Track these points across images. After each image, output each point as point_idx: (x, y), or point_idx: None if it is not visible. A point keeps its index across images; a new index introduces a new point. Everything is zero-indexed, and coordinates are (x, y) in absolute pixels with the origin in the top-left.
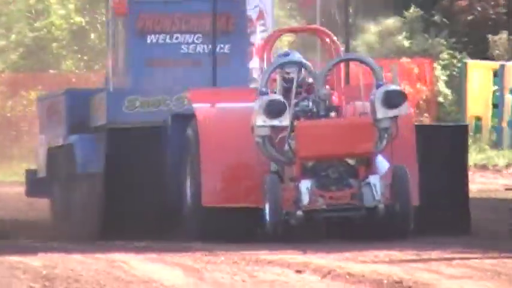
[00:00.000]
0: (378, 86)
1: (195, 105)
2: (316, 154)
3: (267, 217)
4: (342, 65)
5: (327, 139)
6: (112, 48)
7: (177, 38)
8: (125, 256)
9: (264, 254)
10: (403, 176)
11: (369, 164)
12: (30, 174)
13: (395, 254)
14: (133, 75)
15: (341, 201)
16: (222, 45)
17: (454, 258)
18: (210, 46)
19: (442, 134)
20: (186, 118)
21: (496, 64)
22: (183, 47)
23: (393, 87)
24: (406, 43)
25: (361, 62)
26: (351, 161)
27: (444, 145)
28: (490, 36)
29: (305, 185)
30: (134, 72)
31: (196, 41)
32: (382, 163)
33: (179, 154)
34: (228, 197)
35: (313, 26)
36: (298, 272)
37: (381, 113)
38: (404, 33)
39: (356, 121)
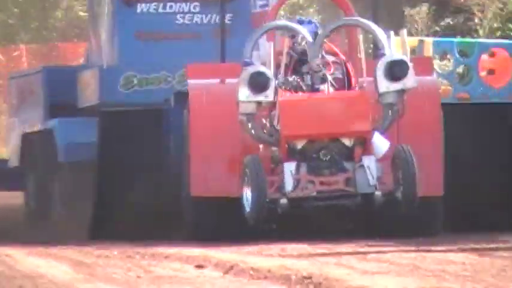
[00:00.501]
0: (381, 56)
1: (190, 81)
2: (301, 133)
3: (247, 205)
4: (359, 34)
5: (313, 116)
6: (95, 19)
7: (171, 7)
8: (9, 250)
9: (162, 248)
10: (406, 158)
11: (365, 145)
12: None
13: (304, 247)
14: (122, 50)
15: (333, 187)
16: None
17: (368, 252)
18: (209, 16)
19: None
20: (178, 97)
21: (414, 40)
22: (178, 17)
23: (397, 56)
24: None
25: (362, 27)
26: (347, 142)
27: (492, 127)
28: (407, 10)
29: (289, 167)
30: (122, 46)
31: (193, 10)
32: (381, 143)
33: (182, 138)
34: (220, 186)
35: None
36: (199, 267)
37: (384, 86)
38: (314, 7)
39: (347, 95)
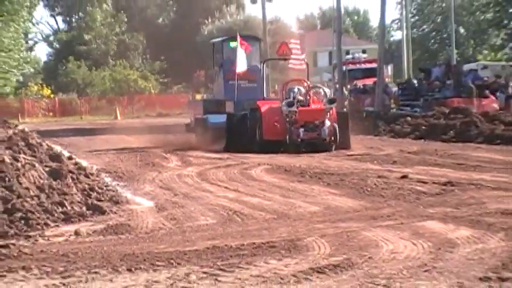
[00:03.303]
0: (327, 97)
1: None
2: (305, 120)
3: (288, 141)
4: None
5: (309, 114)
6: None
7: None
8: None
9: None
10: (335, 129)
11: (323, 123)
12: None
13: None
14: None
15: (314, 136)
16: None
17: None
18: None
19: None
20: (254, 110)
21: None
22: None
23: (331, 97)
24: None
25: (319, 87)
26: (318, 121)
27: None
28: None
29: (301, 130)
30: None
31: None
32: (327, 122)
33: (252, 122)
34: (270, 135)
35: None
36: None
37: (328, 105)
38: None
39: (317, 107)
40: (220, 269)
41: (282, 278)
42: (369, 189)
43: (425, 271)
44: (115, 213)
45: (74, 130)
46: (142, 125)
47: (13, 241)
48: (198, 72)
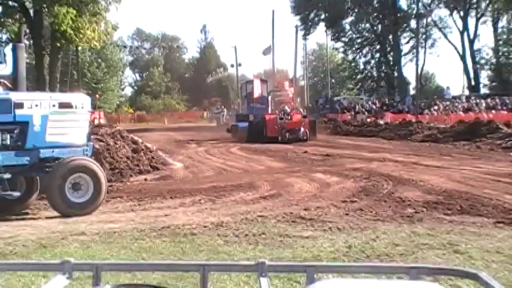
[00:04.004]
0: (302, 114)
1: (265, 115)
2: (290, 127)
3: (280, 139)
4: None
5: (291, 124)
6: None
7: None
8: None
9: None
10: (306, 130)
11: (300, 128)
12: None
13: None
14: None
15: (294, 136)
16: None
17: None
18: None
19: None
20: (263, 119)
21: None
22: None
23: (304, 114)
24: None
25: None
26: (296, 128)
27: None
28: None
29: (287, 133)
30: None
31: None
32: (302, 128)
33: (259, 125)
34: (271, 133)
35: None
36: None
37: (302, 118)
38: None
39: (296, 120)
40: (216, 197)
41: (245, 201)
42: (288, 158)
43: (315, 198)
44: (164, 170)
45: (143, 129)
46: (178, 127)
47: (114, 184)
48: (204, 101)
